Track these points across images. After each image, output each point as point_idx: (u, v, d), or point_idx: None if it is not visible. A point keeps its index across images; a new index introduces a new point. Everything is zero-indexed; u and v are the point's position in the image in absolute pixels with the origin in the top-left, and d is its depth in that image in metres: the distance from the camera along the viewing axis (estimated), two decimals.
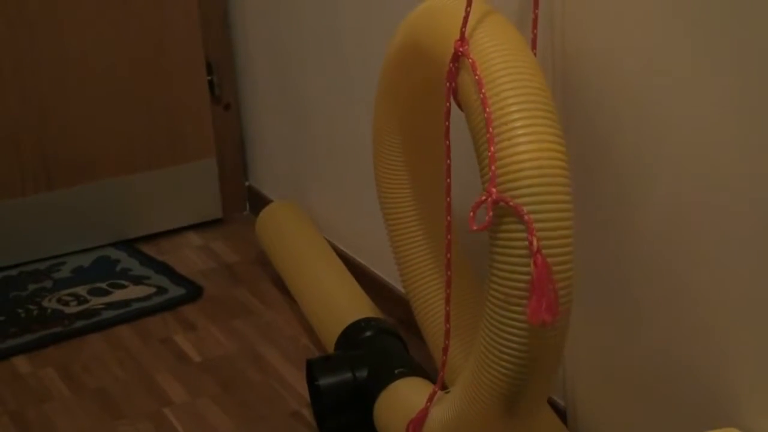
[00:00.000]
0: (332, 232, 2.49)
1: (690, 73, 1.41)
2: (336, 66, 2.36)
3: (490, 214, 1.46)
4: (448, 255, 1.61)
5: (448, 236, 1.59)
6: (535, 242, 1.37)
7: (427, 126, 1.78)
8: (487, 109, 1.43)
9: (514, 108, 1.41)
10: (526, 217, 1.38)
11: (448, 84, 1.51)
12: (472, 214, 1.49)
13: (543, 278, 1.38)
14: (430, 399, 1.68)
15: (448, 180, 1.58)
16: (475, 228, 1.48)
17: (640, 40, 1.48)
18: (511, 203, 1.43)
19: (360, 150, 2.33)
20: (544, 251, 1.37)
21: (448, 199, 1.59)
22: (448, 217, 1.59)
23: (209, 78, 2.74)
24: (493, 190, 1.43)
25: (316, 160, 2.54)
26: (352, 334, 2.04)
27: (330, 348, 2.09)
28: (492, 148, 1.45)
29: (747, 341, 1.43)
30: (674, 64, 1.43)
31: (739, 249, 1.41)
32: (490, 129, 1.43)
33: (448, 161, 1.58)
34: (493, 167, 1.42)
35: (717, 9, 1.34)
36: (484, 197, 1.45)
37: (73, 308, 2.41)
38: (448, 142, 1.58)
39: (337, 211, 2.50)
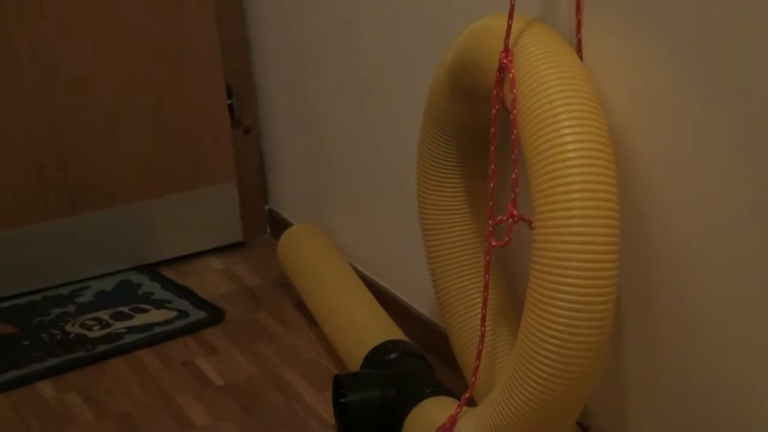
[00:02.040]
0: (353, 255, 2.49)
1: None
2: (355, 89, 2.37)
3: (510, 233, 1.51)
4: (488, 258, 1.63)
5: (489, 241, 1.61)
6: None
7: (478, 144, 1.81)
8: (514, 131, 1.48)
9: (563, 117, 1.44)
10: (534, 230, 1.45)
11: (495, 92, 1.56)
12: (490, 229, 1.56)
13: None
14: (461, 405, 1.69)
15: (492, 184, 1.62)
16: (494, 244, 1.55)
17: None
18: (527, 222, 1.51)
19: (380, 172, 2.34)
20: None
21: (491, 203, 1.62)
22: (490, 221, 1.61)
23: (229, 102, 2.75)
24: (514, 210, 1.53)
25: (336, 182, 2.55)
26: (378, 355, 2.05)
27: (354, 370, 2.09)
28: (516, 170, 1.52)
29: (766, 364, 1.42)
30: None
31: (757, 269, 1.41)
32: (515, 151, 1.51)
33: (493, 166, 1.62)
34: (516, 189, 1.51)
35: None
36: (505, 216, 1.53)
37: (95, 332, 2.42)
38: (493, 148, 1.61)
39: (357, 233, 2.50)
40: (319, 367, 2.27)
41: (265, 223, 2.88)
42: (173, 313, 2.50)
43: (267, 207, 2.88)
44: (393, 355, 2.04)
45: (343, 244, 2.52)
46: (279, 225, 2.76)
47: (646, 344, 1.64)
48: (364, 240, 2.48)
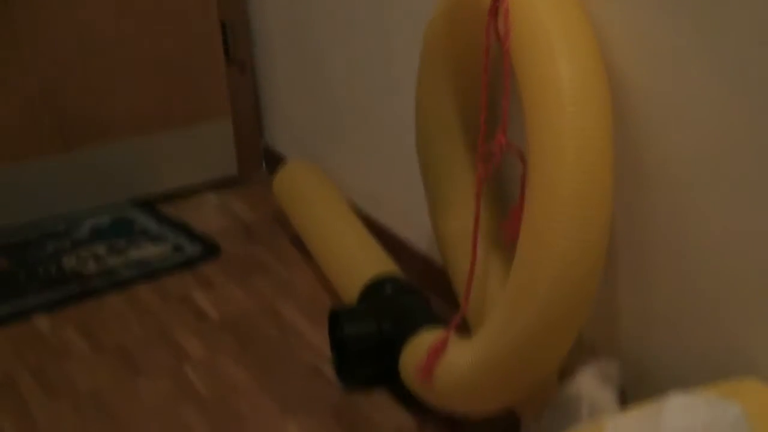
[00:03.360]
0: (349, 190, 2.48)
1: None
2: (351, 24, 2.35)
3: (499, 159, 1.54)
4: (479, 187, 1.64)
5: (480, 176, 1.61)
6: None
7: (474, 77, 1.80)
8: (506, 61, 1.46)
9: (558, 48, 1.43)
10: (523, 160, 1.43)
11: (488, 22, 1.55)
12: (480, 158, 1.57)
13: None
14: (453, 325, 1.70)
15: (483, 114, 1.61)
16: (483, 172, 1.57)
17: None
18: (516, 150, 1.52)
19: (377, 108, 2.33)
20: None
21: (482, 132, 1.62)
22: (480, 150, 1.61)
23: (224, 38, 2.73)
24: (504, 139, 1.54)
25: (332, 118, 2.54)
26: (374, 289, 2.05)
27: (350, 304, 2.10)
28: (506, 100, 1.53)
29: (766, 292, 1.42)
30: None
31: (755, 194, 1.40)
32: (507, 82, 1.50)
33: (484, 96, 1.61)
34: (506, 119, 1.51)
35: None
36: (494, 145, 1.56)
37: (92, 267, 2.42)
38: (485, 78, 1.60)
39: (354, 168, 2.49)
40: (315, 301, 2.27)
41: (260, 159, 2.86)
42: (169, 248, 2.49)
43: (263, 143, 2.87)
44: (389, 290, 2.04)
45: (340, 180, 2.51)
46: (274, 161, 2.75)
47: (640, 278, 1.64)
48: (361, 175, 2.47)
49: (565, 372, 1.62)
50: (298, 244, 2.44)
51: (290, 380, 2.02)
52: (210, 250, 2.48)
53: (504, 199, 1.90)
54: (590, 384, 1.58)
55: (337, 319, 1.99)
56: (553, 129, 1.43)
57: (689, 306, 1.56)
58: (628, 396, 1.57)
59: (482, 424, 1.82)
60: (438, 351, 1.70)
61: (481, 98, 1.63)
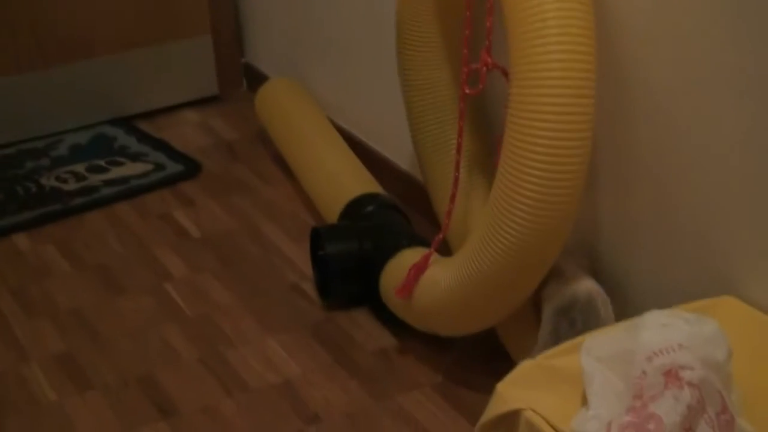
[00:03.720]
0: (331, 108, 2.46)
1: None
2: None
3: (484, 80, 1.53)
4: (462, 105, 1.63)
5: (463, 88, 1.59)
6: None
7: None
8: None
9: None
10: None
11: None
12: (464, 77, 1.54)
13: None
14: (435, 245, 1.70)
15: (467, 32, 1.59)
16: (468, 92, 1.53)
17: None
18: (501, 69, 1.51)
19: (359, 23, 2.30)
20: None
21: (465, 50, 1.60)
22: (464, 69, 1.59)
23: None
24: (489, 58, 1.54)
25: (315, 35, 2.50)
26: (355, 208, 2.04)
27: (332, 223, 2.09)
28: (490, 18, 1.52)
29: (744, 212, 1.42)
30: None
31: (735, 123, 1.39)
32: (490, 1, 1.48)
33: (468, 13, 1.59)
34: (490, 37, 1.51)
35: None
36: (479, 64, 1.54)
37: (71, 186, 2.40)
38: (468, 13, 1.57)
39: (336, 86, 2.47)
40: (296, 220, 2.26)
41: (241, 77, 2.83)
42: (150, 166, 2.48)
43: (243, 60, 2.84)
44: (370, 208, 2.03)
45: (322, 98, 2.48)
46: (256, 78, 2.72)
47: (622, 203, 1.64)
48: (343, 93, 2.44)
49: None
50: (280, 162, 2.42)
51: (272, 299, 2.03)
52: (191, 168, 2.47)
53: (486, 124, 1.88)
54: (590, 283, 1.58)
55: (318, 237, 1.99)
56: (537, 47, 1.41)
57: (670, 230, 1.56)
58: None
59: (463, 344, 1.83)
60: (419, 270, 1.70)
61: (465, 16, 1.60)
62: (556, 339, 1.55)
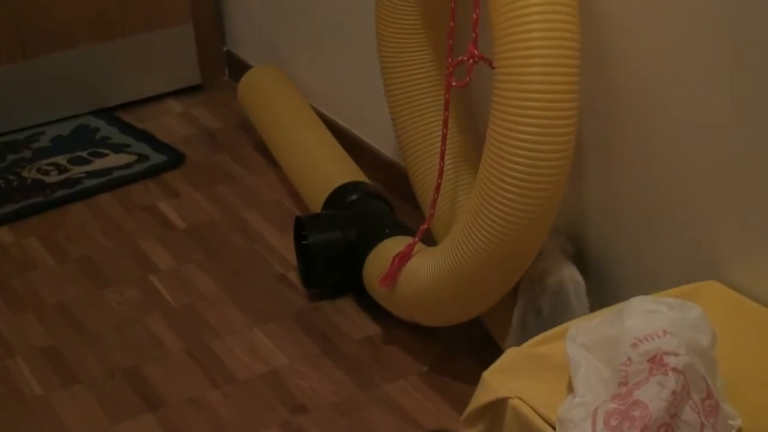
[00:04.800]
0: (314, 97, 2.45)
1: None
2: None
3: (471, 73, 1.52)
4: (447, 96, 1.62)
5: (449, 80, 1.59)
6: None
7: None
8: None
9: None
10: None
11: None
12: (450, 70, 1.54)
13: None
14: (419, 235, 1.69)
15: (452, 23, 1.58)
16: (455, 84, 1.52)
17: None
18: (488, 61, 1.50)
19: (341, 10, 2.29)
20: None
21: (450, 42, 1.59)
22: (450, 61, 1.58)
23: None
24: (475, 50, 1.52)
25: (297, 22, 2.49)
26: (339, 196, 2.03)
27: (316, 211, 2.09)
28: (477, 10, 1.51)
29: (728, 197, 1.43)
30: None
31: (720, 104, 1.39)
32: None
33: (453, 4, 1.58)
34: (476, 29, 1.50)
35: None
36: (465, 56, 1.53)
37: (54, 178, 2.39)
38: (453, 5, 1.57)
39: (319, 74, 2.46)
40: (281, 209, 2.26)
41: (223, 65, 2.82)
42: (133, 157, 2.46)
43: (225, 49, 2.82)
44: (354, 196, 2.03)
45: (305, 85, 2.47)
46: (238, 67, 2.71)
47: (608, 186, 1.64)
48: (326, 81, 2.44)
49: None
50: (263, 151, 2.42)
51: (257, 289, 2.02)
52: (174, 158, 2.46)
53: (471, 114, 1.88)
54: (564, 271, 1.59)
55: (301, 227, 1.99)
56: (520, 35, 1.40)
57: (655, 216, 1.57)
58: (593, 304, 1.58)
59: (449, 332, 1.83)
60: (402, 259, 1.70)
61: (451, 7, 1.59)
62: (524, 330, 1.55)
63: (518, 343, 1.38)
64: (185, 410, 1.74)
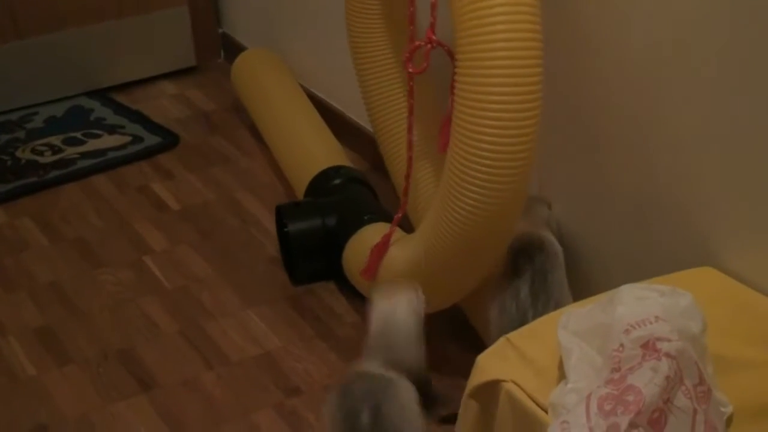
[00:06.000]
0: (306, 77, 2.45)
1: None
2: None
3: (428, 58, 1.51)
4: (411, 83, 1.61)
5: (407, 67, 1.57)
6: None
7: None
8: None
9: None
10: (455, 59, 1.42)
11: None
12: (408, 55, 1.53)
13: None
14: (394, 224, 1.69)
15: (411, 8, 1.57)
16: (411, 70, 1.54)
17: None
18: (445, 48, 1.49)
19: None
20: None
21: (411, 27, 1.58)
22: (408, 47, 1.57)
23: None
24: (433, 36, 1.51)
25: (292, 5, 2.49)
26: (321, 181, 2.03)
27: (300, 195, 2.08)
28: None
29: (722, 183, 1.43)
30: None
31: (712, 88, 1.39)
32: None
33: (412, 8, 1.57)
34: (434, 14, 1.48)
35: None
36: (422, 41, 1.52)
37: (47, 158, 2.39)
38: None
39: (312, 55, 2.45)
40: (275, 191, 2.26)
41: (218, 47, 2.81)
42: (127, 138, 2.46)
43: (220, 30, 2.82)
44: (336, 181, 2.02)
45: (299, 67, 2.47)
46: (233, 49, 2.70)
47: (602, 173, 1.64)
48: (321, 63, 2.43)
49: None
50: (258, 133, 2.41)
51: (251, 271, 2.02)
52: (168, 140, 2.46)
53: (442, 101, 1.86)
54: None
55: (281, 215, 1.98)
56: (483, 20, 1.38)
57: (646, 199, 1.57)
58: (584, 291, 1.58)
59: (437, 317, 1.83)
60: (380, 251, 1.68)
61: None
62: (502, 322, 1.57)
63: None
64: (179, 391, 1.74)
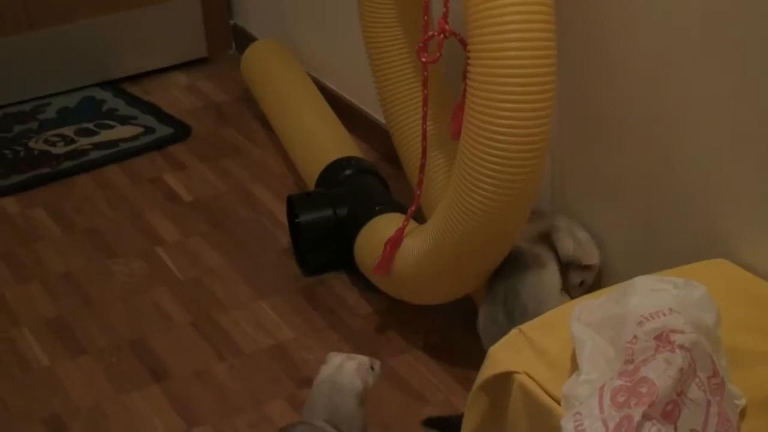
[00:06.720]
0: (317, 68, 2.45)
1: None
2: None
3: (441, 47, 1.50)
4: (425, 73, 1.60)
5: (420, 56, 1.57)
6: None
7: None
8: None
9: None
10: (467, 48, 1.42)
11: None
12: (421, 45, 1.51)
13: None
14: (407, 218, 1.69)
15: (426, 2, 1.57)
16: (424, 60, 1.53)
17: None
18: (458, 37, 1.48)
19: None
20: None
21: (425, 16, 1.58)
22: (427, 34, 1.57)
23: None
24: (446, 25, 1.50)
25: None
26: (332, 172, 2.03)
27: (311, 187, 2.08)
28: None
29: (738, 176, 1.43)
30: None
31: (729, 82, 1.39)
32: None
33: None
34: (448, 4, 1.47)
35: None
36: (435, 31, 1.52)
37: (60, 149, 2.39)
38: None
39: (321, 46, 2.45)
40: (287, 182, 2.26)
41: (230, 39, 2.81)
42: (139, 129, 2.46)
43: (232, 22, 2.81)
44: (347, 172, 2.02)
45: (311, 58, 2.47)
46: (245, 40, 2.70)
47: (612, 152, 1.63)
48: (332, 54, 2.43)
49: None
50: (268, 123, 2.41)
51: (263, 262, 2.03)
52: (180, 131, 2.46)
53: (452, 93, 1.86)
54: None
55: (292, 206, 1.98)
56: (494, 10, 1.38)
57: (664, 191, 1.56)
58: (598, 282, 1.58)
59: (446, 309, 1.83)
60: (394, 245, 1.68)
61: None
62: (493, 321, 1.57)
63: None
64: (191, 382, 1.75)
